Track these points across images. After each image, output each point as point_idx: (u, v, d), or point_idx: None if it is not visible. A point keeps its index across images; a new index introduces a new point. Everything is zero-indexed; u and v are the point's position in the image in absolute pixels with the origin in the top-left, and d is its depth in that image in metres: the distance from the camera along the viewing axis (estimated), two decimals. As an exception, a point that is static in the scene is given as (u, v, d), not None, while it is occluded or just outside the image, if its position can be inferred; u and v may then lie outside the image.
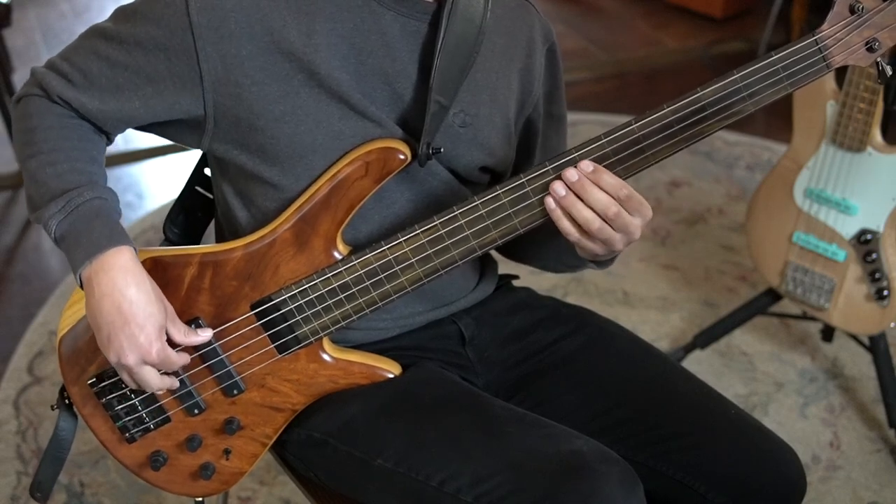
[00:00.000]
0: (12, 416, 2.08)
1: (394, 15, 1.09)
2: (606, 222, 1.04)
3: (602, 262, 1.17)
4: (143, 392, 1.13)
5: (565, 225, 1.05)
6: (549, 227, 1.09)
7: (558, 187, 1.04)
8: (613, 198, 1.03)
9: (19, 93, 1.14)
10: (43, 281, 2.54)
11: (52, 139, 1.09)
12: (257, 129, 1.08)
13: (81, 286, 1.05)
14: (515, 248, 1.29)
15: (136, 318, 1.03)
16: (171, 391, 1.14)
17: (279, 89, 1.07)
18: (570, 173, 1.03)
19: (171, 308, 1.08)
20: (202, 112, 1.08)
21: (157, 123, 1.12)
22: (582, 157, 1.04)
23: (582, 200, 1.04)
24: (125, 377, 1.08)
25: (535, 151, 1.28)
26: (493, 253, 1.23)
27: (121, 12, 1.10)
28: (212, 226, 1.32)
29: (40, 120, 1.10)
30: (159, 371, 1.07)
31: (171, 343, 1.08)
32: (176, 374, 1.12)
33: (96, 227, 1.04)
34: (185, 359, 1.09)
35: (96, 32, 1.10)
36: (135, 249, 1.06)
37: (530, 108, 1.24)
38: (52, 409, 1.18)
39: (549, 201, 1.04)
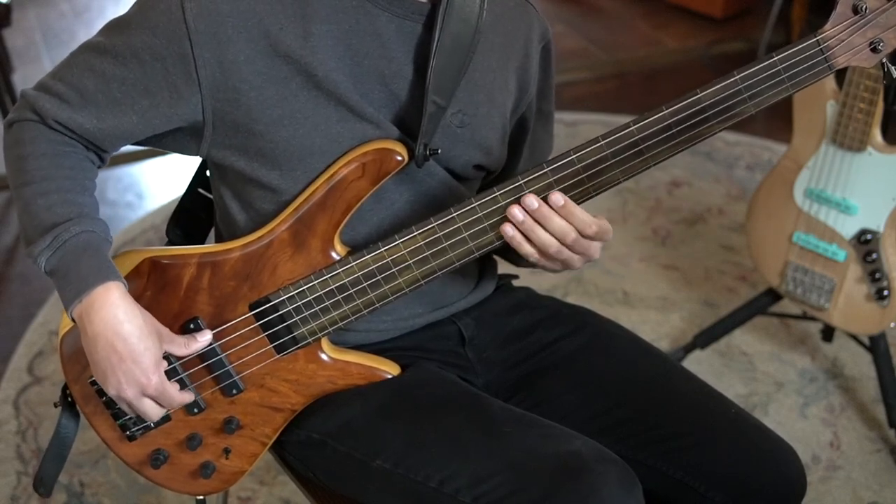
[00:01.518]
0: (12, 416, 2.08)
1: (389, 16, 1.09)
2: (565, 247, 1.06)
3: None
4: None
5: (526, 249, 1.07)
6: None
7: (517, 212, 1.05)
8: (581, 233, 1.06)
9: (11, 117, 1.12)
10: (43, 281, 2.53)
11: (44, 167, 1.08)
12: (256, 134, 1.08)
13: (74, 321, 1.06)
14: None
15: (132, 354, 1.03)
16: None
17: (277, 93, 1.06)
18: (530, 201, 1.05)
19: (165, 330, 1.09)
20: (200, 119, 1.08)
21: (154, 136, 1.11)
22: (580, 159, 1.04)
23: (541, 226, 1.05)
24: (125, 408, 1.08)
25: (523, 147, 1.29)
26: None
27: (112, 25, 1.08)
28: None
29: (33, 147, 1.09)
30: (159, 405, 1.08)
31: (176, 359, 1.09)
32: (176, 372, 1.12)
33: (84, 262, 1.04)
34: (186, 397, 1.10)
35: (88, 48, 1.09)
36: (124, 283, 1.05)
37: (525, 106, 1.25)
38: (55, 407, 1.19)
39: (507, 229, 1.06)
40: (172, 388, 1.07)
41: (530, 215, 1.05)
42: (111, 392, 1.06)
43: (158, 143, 1.13)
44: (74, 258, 1.04)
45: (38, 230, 1.06)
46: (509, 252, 1.28)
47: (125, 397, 1.05)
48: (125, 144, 1.13)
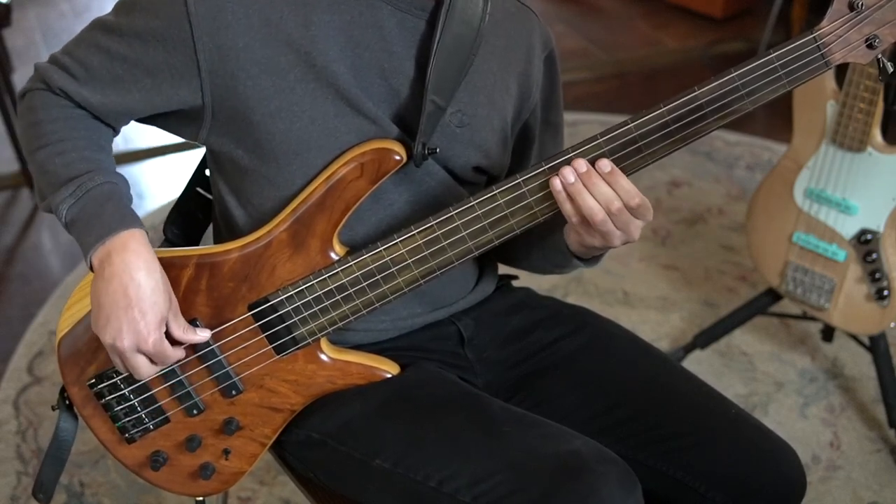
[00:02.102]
0: (12, 416, 2.08)
1: (391, 9, 1.09)
2: (609, 217, 1.04)
3: (589, 261, 1.17)
4: (143, 392, 1.14)
5: (568, 208, 1.05)
6: (539, 229, 1.09)
7: (567, 172, 1.03)
8: (625, 203, 1.03)
9: (23, 88, 1.15)
10: (43, 281, 2.54)
11: (58, 130, 1.10)
12: (252, 123, 1.08)
13: (91, 268, 1.05)
14: (504, 249, 1.29)
15: (141, 303, 1.03)
16: (170, 391, 1.14)
17: (274, 84, 1.07)
18: (579, 163, 1.03)
19: (175, 302, 1.09)
20: (200, 103, 1.08)
21: (157, 115, 1.13)
22: (578, 157, 1.04)
23: (588, 191, 1.03)
24: (116, 361, 1.07)
25: (530, 157, 1.28)
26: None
27: (121, 5, 1.11)
28: (211, 226, 1.32)
29: (46, 113, 1.11)
30: (151, 362, 1.07)
31: (170, 338, 1.08)
32: (175, 374, 1.12)
33: (108, 209, 1.05)
34: (179, 353, 1.10)
35: (97, 25, 1.11)
36: (147, 233, 1.06)
37: (527, 113, 1.24)
38: (53, 410, 1.18)
39: (556, 182, 1.04)
40: (169, 348, 1.07)
41: (579, 178, 1.03)
42: (107, 340, 1.04)
43: (162, 124, 1.15)
44: (97, 206, 1.05)
45: (58, 184, 1.07)
46: (507, 253, 1.29)
47: (120, 347, 1.04)
48: (130, 120, 1.15)
